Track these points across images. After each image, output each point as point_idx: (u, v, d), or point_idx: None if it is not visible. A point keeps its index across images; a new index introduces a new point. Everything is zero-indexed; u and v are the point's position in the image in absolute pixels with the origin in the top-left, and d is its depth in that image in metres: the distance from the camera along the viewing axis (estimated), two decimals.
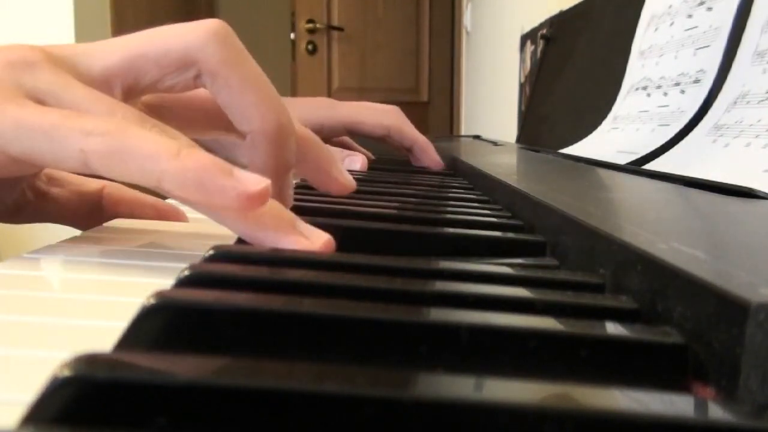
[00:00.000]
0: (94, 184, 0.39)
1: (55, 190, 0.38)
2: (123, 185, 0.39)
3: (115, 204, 0.39)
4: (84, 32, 1.80)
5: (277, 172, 0.31)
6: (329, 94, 3.22)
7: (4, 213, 0.35)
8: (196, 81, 0.30)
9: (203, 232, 0.35)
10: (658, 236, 0.22)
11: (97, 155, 0.24)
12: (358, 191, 0.39)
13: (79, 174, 0.38)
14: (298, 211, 0.34)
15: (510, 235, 0.32)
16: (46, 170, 0.37)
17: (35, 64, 0.27)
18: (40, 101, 0.27)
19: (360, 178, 0.56)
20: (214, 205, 0.25)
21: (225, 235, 0.29)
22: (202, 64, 0.29)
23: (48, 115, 0.25)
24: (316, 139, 0.35)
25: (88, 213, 0.38)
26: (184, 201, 0.27)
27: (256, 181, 0.24)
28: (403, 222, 0.35)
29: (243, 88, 0.30)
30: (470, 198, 0.48)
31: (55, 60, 0.28)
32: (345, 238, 0.28)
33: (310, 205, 0.39)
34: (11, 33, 1.72)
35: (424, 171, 0.71)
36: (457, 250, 0.29)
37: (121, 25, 2.09)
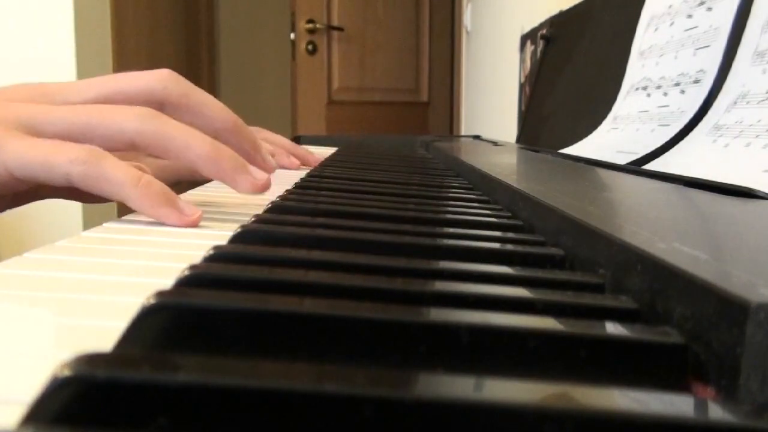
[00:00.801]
0: None
1: None
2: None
3: None
4: (84, 32, 1.80)
5: (250, 152, 0.42)
6: (329, 94, 3.22)
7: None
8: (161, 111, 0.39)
9: (203, 232, 0.35)
10: (658, 236, 0.22)
11: (78, 178, 0.34)
12: (356, 191, 0.39)
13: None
14: (298, 210, 0.34)
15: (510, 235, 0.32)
16: None
17: (22, 103, 0.37)
18: (32, 130, 0.35)
19: (360, 178, 0.56)
20: (158, 217, 0.35)
21: (225, 235, 0.29)
22: (165, 99, 0.40)
23: (40, 147, 0.34)
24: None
25: (70, 190, 0.45)
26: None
27: (187, 207, 0.35)
28: (403, 222, 0.35)
29: (199, 108, 0.40)
30: (470, 198, 0.48)
31: (43, 95, 0.39)
32: (345, 241, 0.28)
33: (309, 205, 0.39)
34: (11, 33, 1.72)
35: (424, 171, 0.71)
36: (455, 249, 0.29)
37: (121, 25, 2.09)
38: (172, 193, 0.35)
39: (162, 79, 0.40)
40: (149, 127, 0.36)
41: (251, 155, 0.43)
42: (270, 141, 0.74)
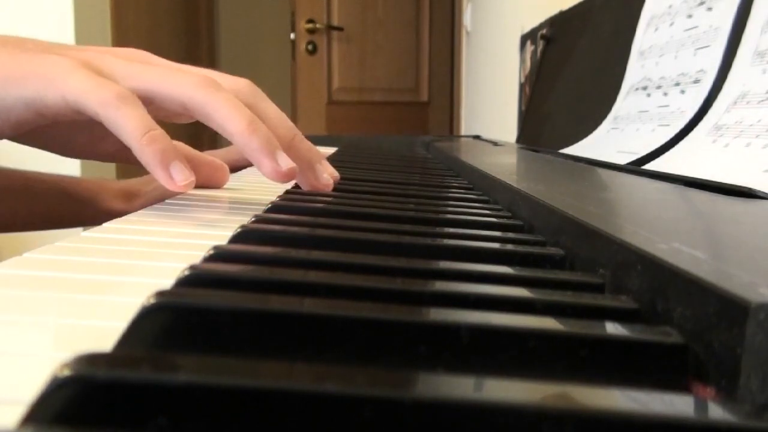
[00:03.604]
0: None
1: (145, 190, 0.58)
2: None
3: None
4: (84, 32, 1.80)
5: (267, 151, 0.41)
6: (329, 94, 3.22)
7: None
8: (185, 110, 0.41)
9: (203, 232, 0.35)
10: (658, 236, 0.22)
11: (104, 121, 0.37)
12: (356, 191, 0.39)
13: None
14: (298, 210, 0.34)
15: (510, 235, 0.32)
16: (123, 186, 0.57)
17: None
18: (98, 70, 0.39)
19: (360, 178, 0.56)
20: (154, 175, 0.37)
21: (225, 235, 0.29)
22: (187, 103, 0.40)
23: (89, 82, 0.37)
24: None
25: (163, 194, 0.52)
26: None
27: (178, 173, 0.37)
28: (403, 222, 0.35)
29: (215, 111, 0.40)
30: (470, 198, 0.48)
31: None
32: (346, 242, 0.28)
33: (309, 205, 0.39)
34: (11, 33, 1.72)
35: (424, 171, 0.71)
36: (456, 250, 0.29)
37: (122, 25, 2.09)
38: (172, 154, 0.37)
39: (237, 87, 0.42)
40: (198, 96, 0.39)
41: (304, 172, 0.44)
42: None
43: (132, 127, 0.36)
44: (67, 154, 0.49)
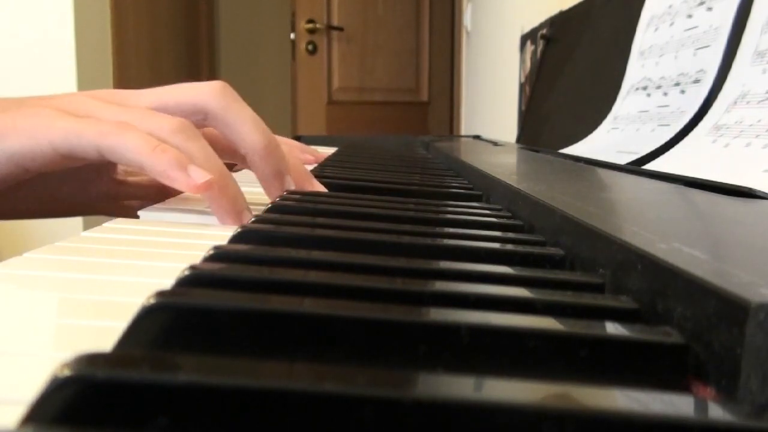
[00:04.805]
0: None
1: (132, 178, 0.52)
2: None
3: None
4: (84, 32, 1.80)
5: (274, 177, 0.43)
6: (329, 94, 3.22)
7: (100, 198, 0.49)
8: (204, 122, 0.42)
9: (203, 232, 0.35)
10: (658, 236, 0.22)
11: (106, 150, 0.37)
12: (356, 191, 0.39)
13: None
14: (298, 211, 0.34)
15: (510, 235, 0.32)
16: (121, 165, 0.51)
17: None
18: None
19: (360, 178, 0.56)
20: (171, 182, 0.36)
21: (225, 236, 0.29)
22: (207, 111, 0.42)
23: (79, 123, 0.37)
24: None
25: (159, 190, 0.50)
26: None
27: (201, 175, 0.36)
28: (403, 222, 0.35)
29: (234, 125, 0.42)
30: (470, 198, 0.48)
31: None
32: (345, 241, 0.28)
33: (309, 205, 0.39)
34: (11, 33, 1.72)
35: (424, 171, 0.71)
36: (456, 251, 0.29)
37: (122, 25, 2.09)
38: (185, 159, 0.37)
39: (209, 92, 0.42)
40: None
41: (270, 180, 0.44)
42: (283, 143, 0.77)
43: (140, 143, 0.36)
44: (49, 215, 0.49)
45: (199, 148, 0.39)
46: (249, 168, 0.45)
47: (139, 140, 0.36)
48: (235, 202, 0.39)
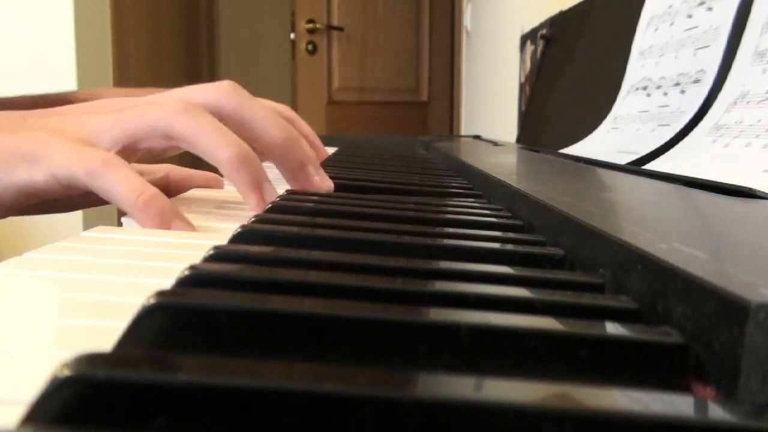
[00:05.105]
0: (160, 171, 0.53)
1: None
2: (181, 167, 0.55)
3: (177, 182, 0.54)
4: (84, 32, 1.80)
5: (299, 170, 0.44)
6: (329, 94, 3.22)
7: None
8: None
9: (203, 233, 0.35)
10: (658, 236, 0.22)
11: (95, 190, 0.36)
12: (356, 191, 0.39)
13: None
14: (298, 211, 0.34)
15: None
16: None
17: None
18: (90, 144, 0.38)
19: (360, 177, 0.56)
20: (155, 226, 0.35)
21: (225, 236, 0.29)
22: (219, 111, 0.41)
23: (75, 154, 0.36)
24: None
25: (164, 190, 0.49)
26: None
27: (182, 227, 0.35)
28: (403, 222, 0.35)
29: (249, 122, 0.42)
30: (470, 198, 0.48)
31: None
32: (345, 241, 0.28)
33: (309, 205, 0.39)
34: (11, 33, 1.72)
35: (424, 171, 0.71)
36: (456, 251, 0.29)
37: (121, 26, 2.09)
38: (170, 214, 0.35)
39: (218, 92, 0.42)
40: (179, 124, 0.38)
41: (295, 173, 0.44)
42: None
43: (122, 192, 0.35)
44: (57, 211, 0.49)
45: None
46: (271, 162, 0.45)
47: (126, 185, 0.35)
48: (257, 175, 0.39)
